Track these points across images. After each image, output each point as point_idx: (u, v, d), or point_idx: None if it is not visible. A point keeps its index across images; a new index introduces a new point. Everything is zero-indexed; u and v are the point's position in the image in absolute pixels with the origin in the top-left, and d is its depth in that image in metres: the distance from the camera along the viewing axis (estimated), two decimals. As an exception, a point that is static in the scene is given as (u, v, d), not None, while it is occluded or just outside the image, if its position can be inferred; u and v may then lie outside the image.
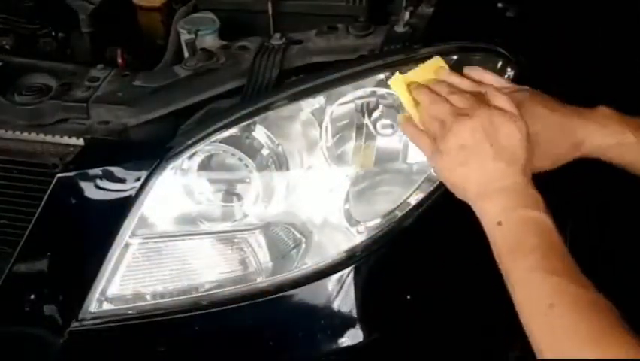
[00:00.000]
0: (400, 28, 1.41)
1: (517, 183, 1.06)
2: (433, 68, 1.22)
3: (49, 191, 1.31)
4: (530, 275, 0.98)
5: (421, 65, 1.23)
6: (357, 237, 1.28)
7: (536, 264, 0.98)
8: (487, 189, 1.06)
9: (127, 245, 1.29)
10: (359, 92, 1.29)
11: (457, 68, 1.27)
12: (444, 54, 1.31)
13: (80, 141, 1.37)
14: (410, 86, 1.19)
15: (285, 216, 1.31)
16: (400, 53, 1.33)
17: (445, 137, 1.10)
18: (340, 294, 1.26)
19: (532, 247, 1.00)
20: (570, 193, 1.48)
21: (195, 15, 1.59)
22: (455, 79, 1.19)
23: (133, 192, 1.28)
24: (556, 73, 1.44)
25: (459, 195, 1.11)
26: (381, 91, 1.29)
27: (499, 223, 1.03)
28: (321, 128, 1.29)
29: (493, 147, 1.07)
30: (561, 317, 0.93)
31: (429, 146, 1.14)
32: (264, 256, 1.31)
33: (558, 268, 0.97)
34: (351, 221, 1.29)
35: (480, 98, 1.13)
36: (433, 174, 1.27)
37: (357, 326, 1.28)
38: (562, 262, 0.98)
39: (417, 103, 1.18)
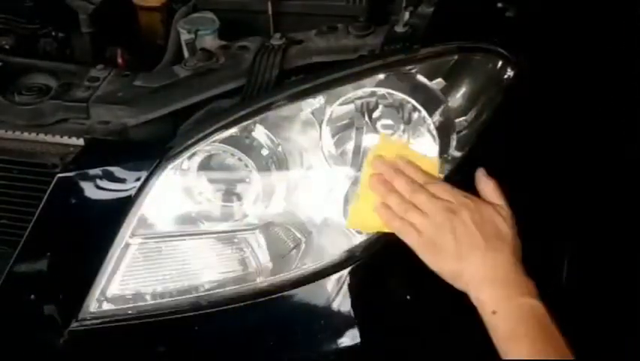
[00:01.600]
0: (400, 28, 1.41)
1: (509, 272, 1.10)
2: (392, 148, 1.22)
3: (49, 191, 1.31)
4: None
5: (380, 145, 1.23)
6: (357, 237, 1.28)
7: (528, 351, 1.03)
8: (481, 281, 1.10)
9: (127, 245, 1.29)
10: (359, 92, 1.29)
11: (457, 68, 1.27)
12: (444, 54, 1.31)
13: (80, 141, 1.37)
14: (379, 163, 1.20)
15: (284, 217, 1.31)
16: (400, 53, 1.33)
17: (439, 231, 1.13)
18: (340, 294, 1.26)
19: (524, 335, 1.05)
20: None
21: (195, 15, 1.59)
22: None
23: (133, 192, 1.28)
24: (556, 73, 1.44)
25: (455, 285, 1.14)
26: (381, 91, 1.28)
27: (494, 312, 1.08)
28: (321, 128, 1.29)
29: (485, 239, 1.11)
30: None
31: (416, 238, 1.15)
32: (264, 256, 1.31)
33: (550, 352, 1.03)
34: (352, 221, 1.29)
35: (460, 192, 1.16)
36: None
37: (357, 326, 1.28)
38: (552, 346, 1.04)
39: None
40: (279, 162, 1.30)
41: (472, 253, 1.11)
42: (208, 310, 1.29)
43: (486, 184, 1.18)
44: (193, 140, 1.27)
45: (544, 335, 1.05)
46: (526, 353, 1.03)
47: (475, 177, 1.20)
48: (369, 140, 1.29)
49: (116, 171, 1.30)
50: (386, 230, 1.20)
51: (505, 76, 1.33)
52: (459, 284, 1.13)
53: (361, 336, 1.28)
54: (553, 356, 1.02)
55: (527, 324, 1.06)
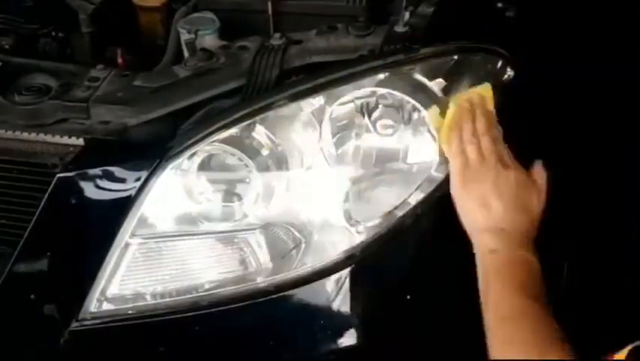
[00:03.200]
0: (400, 28, 1.41)
1: (519, 233, 1.16)
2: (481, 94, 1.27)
3: (49, 191, 1.31)
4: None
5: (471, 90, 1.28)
6: (357, 237, 1.28)
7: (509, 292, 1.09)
8: (494, 227, 1.16)
9: (127, 245, 1.29)
10: (359, 92, 1.29)
11: (457, 68, 1.27)
12: (444, 54, 1.31)
13: (80, 141, 1.37)
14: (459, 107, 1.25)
15: (284, 216, 1.31)
16: (400, 53, 1.33)
17: (482, 170, 1.19)
18: (340, 294, 1.26)
19: (521, 280, 1.10)
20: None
21: (195, 15, 1.59)
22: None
23: (133, 192, 1.28)
24: (556, 73, 1.44)
25: (465, 221, 1.19)
26: (381, 91, 1.29)
27: (493, 251, 1.14)
28: (321, 128, 1.29)
29: (514, 200, 1.17)
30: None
31: (462, 165, 1.20)
32: (264, 256, 1.31)
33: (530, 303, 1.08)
34: (351, 221, 1.29)
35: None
36: (433, 174, 1.27)
37: (357, 326, 1.28)
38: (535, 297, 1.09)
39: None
40: (279, 162, 1.30)
41: (497, 203, 1.16)
42: (208, 310, 1.29)
43: (539, 168, 1.24)
44: (193, 140, 1.27)
45: (532, 284, 1.10)
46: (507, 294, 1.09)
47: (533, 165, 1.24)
48: (368, 140, 1.29)
49: (116, 171, 1.31)
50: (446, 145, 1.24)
51: (505, 76, 1.33)
52: (470, 222, 1.18)
53: (361, 336, 1.28)
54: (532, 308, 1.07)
55: (523, 272, 1.11)
